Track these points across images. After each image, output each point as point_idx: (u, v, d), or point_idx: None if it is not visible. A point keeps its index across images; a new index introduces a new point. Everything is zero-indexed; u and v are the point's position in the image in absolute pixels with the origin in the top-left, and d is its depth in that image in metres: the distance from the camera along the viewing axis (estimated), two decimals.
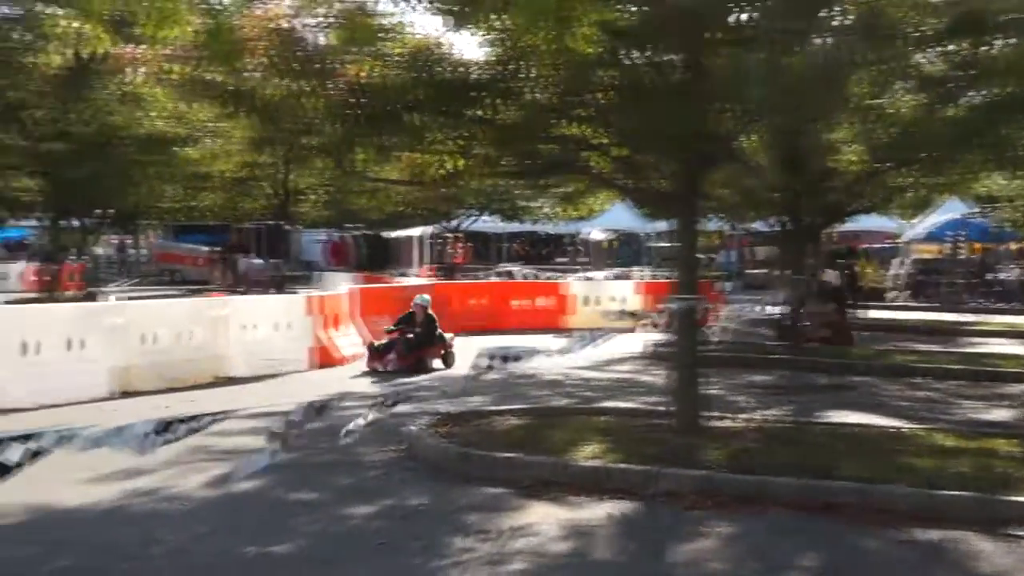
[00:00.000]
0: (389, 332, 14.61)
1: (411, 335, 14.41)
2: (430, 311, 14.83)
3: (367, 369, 14.00)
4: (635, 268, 30.00)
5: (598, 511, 6.67)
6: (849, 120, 12.67)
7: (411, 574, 5.44)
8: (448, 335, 14.92)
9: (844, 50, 7.39)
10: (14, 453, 3.32)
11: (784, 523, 6.47)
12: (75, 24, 6.60)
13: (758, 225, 18.51)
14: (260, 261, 33.16)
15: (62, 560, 5.54)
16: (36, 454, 3.39)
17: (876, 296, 27.00)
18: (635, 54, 7.40)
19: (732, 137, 9.12)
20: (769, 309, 18.16)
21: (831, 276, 19.36)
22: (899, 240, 32.70)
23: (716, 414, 9.33)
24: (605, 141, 8.42)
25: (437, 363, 14.50)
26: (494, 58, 7.84)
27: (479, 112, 7.93)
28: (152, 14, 5.60)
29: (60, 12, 6.91)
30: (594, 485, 7.15)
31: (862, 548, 6.11)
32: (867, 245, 34.19)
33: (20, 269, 33.05)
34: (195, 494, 7.10)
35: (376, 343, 14.50)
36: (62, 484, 7.06)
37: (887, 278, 29.66)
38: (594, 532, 6.24)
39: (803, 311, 15.76)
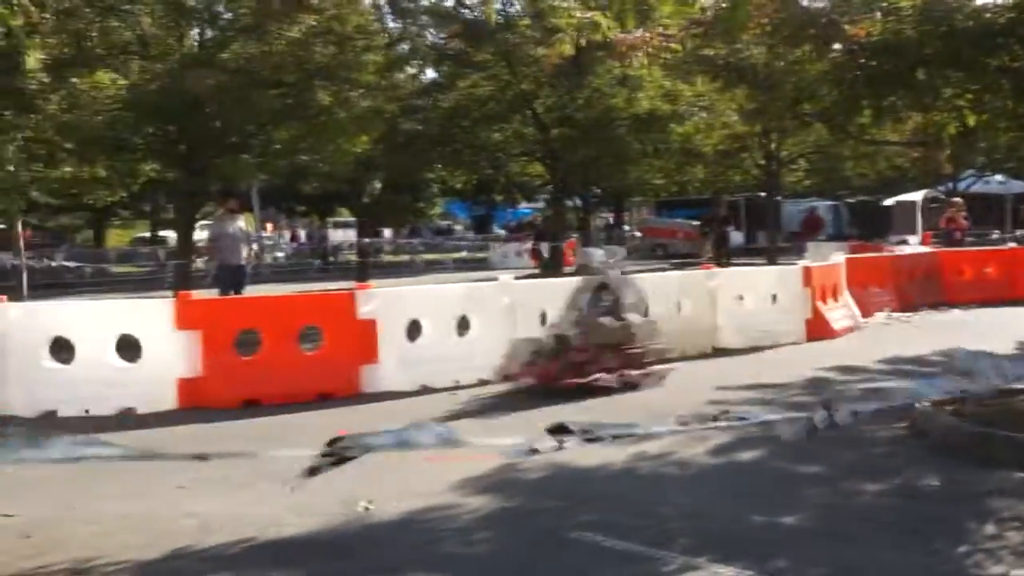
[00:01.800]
0: None
1: None
2: None
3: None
4: None
5: None
6: None
7: (936, 558, 5.11)
8: None
9: None
10: None
11: None
12: (587, 14, 7.06)
13: None
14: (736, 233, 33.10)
15: (586, 515, 5.97)
16: None
17: None
18: None
19: None
20: None
21: None
22: None
23: None
24: None
25: None
26: None
27: (1002, 60, 7.19)
28: None
29: (572, 4, 7.40)
30: None
31: None
32: None
33: (527, 247, 36.31)
34: (699, 460, 7.29)
35: None
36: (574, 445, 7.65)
37: None
38: None
39: None
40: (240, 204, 16.31)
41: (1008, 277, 19.07)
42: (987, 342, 12.93)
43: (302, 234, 51.35)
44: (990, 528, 5.55)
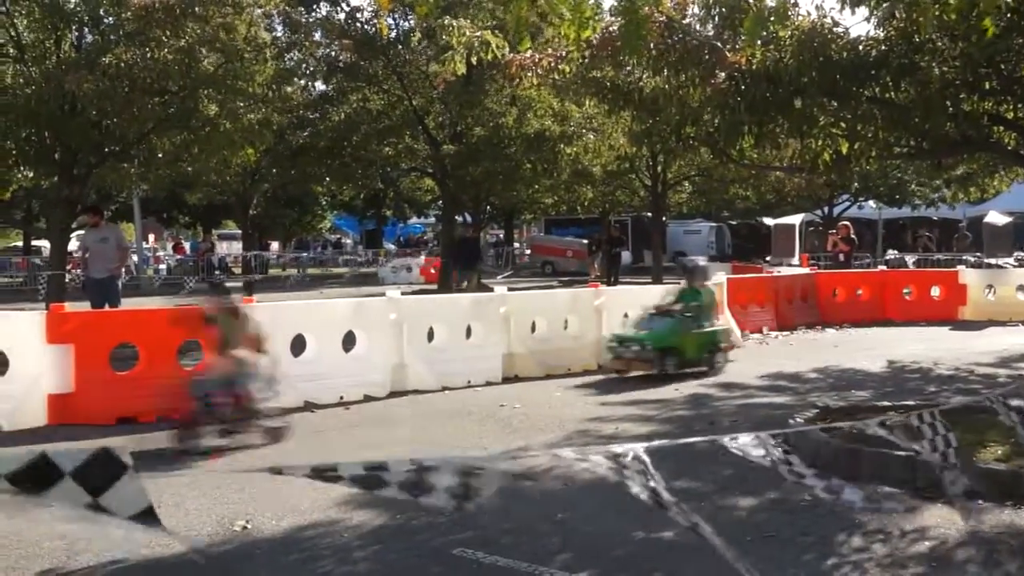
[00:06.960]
0: None
1: None
2: None
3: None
4: None
5: (1004, 518, 6.10)
6: None
7: (805, 570, 5.28)
8: None
9: None
10: None
11: None
12: (477, 33, 7.09)
13: None
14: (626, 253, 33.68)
15: (468, 532, 5.93)
16: None
17: None
18: None
19: None
20: None
21: None
22: None
23: None
24: (1020, 115, 7.64)
25: None
26: (892, 32, 7.38)
27: (874, 92, 7.50)
28: (575, 17, 5.84)
29: (464, 23, 7.42)
30: (1000, 490, 6.53)
31: None
32: None
33: (419, 262, 36.22)
34: (581, 476, 7.33)
35: None
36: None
37: None
38: (1002, 541, 5.70)
39: None
40: (98, 217, 15.73)
41: (878, 299, 19.89)
42: (859, 360, 13.48)
43: (187, 246, 50.11)
44: (859, 540, 5.75)
